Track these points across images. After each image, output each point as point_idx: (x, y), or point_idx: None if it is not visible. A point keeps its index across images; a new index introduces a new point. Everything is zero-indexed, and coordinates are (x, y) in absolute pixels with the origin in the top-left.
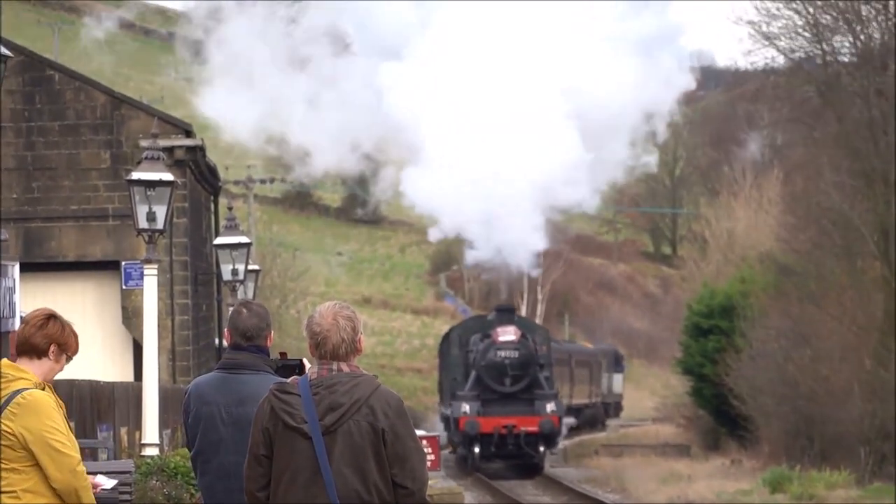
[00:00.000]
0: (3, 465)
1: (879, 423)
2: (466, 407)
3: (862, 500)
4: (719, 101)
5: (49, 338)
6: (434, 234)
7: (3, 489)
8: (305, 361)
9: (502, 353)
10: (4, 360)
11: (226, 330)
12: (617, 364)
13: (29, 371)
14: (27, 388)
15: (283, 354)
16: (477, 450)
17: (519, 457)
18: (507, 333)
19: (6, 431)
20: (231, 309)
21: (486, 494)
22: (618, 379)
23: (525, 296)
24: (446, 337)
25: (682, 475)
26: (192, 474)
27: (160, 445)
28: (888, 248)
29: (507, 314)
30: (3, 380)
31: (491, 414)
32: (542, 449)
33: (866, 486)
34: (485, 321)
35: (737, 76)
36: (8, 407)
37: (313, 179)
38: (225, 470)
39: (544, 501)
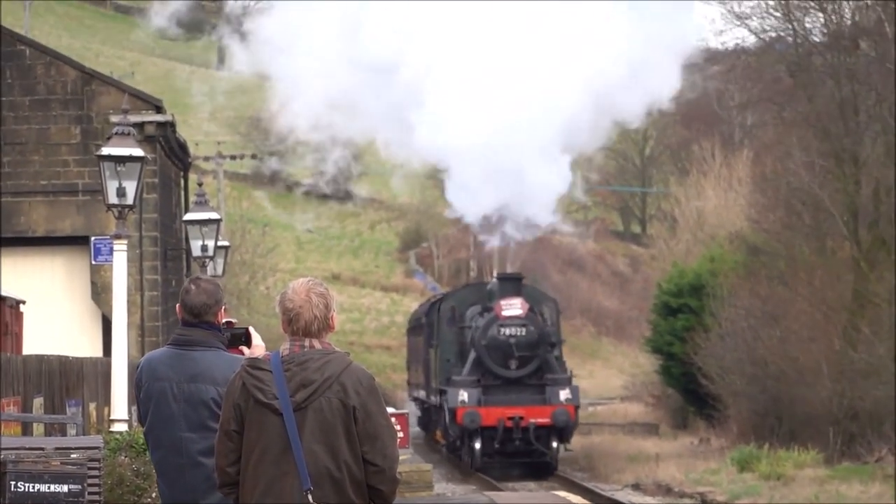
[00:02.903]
0: None
1: (848, 404)
2: (465, 395)
3: (830, 479)
4: (690, 81)
5: None
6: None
7: None
8: (251, 330)
9: (507, 331)
10: None
11: (177, 306)
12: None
13: None
14: None
15: (229, 324)
16: (478, 446)
17: (527, 454)
18: (513, 307)
19: None
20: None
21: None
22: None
23: (494, 273)
24: (434, 309)
25: (651, 454)
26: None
27: (129, 421)
28: (857, 229)
29: (512, 283)
30: None
31: (494, 403)
32: (554, 445)
33: (835, 465)
34: (484, 291)
35: (707, 56)
36: None
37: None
38: (176, 446)
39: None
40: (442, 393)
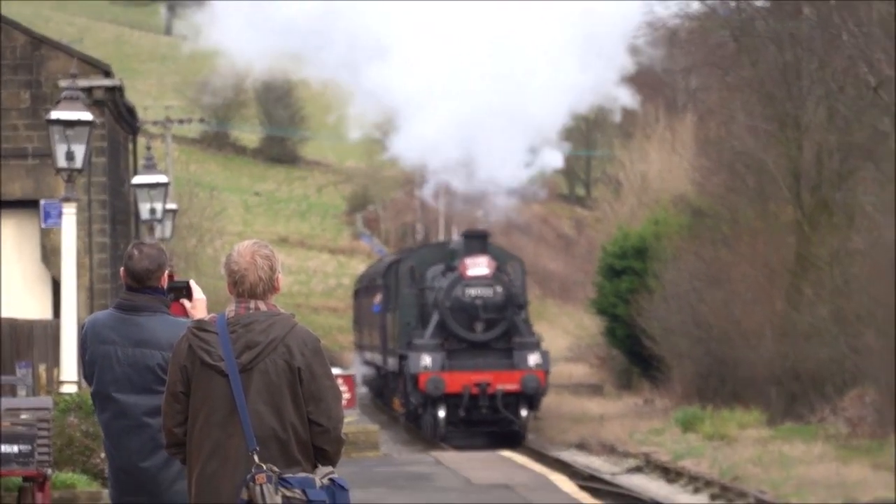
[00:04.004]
0: None
1: (790, 365)
2: (428, 360)
3: (773, 439)
4: (632, 46)
5: None
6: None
7: None
8: (192, 283)
9: (473, 292)
10: None
11: (121, 270)
12: None
13: None
14: None
15: (170, 276)
16: (441, 414)
17: (494, 422)
18: (480, 266)
19: None
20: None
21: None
22: None
23: (441, 236)
24: (392, 270)
25: (595, 415)
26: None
27: (79, 383)
28: (800, 192)
29: (478, 241)
30: None
31: (459, 368)
32: (523, 413)
33: (777, 425)
34: (446, 250)
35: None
36: None
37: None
38: (121, 408)
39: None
40: (402, 358)
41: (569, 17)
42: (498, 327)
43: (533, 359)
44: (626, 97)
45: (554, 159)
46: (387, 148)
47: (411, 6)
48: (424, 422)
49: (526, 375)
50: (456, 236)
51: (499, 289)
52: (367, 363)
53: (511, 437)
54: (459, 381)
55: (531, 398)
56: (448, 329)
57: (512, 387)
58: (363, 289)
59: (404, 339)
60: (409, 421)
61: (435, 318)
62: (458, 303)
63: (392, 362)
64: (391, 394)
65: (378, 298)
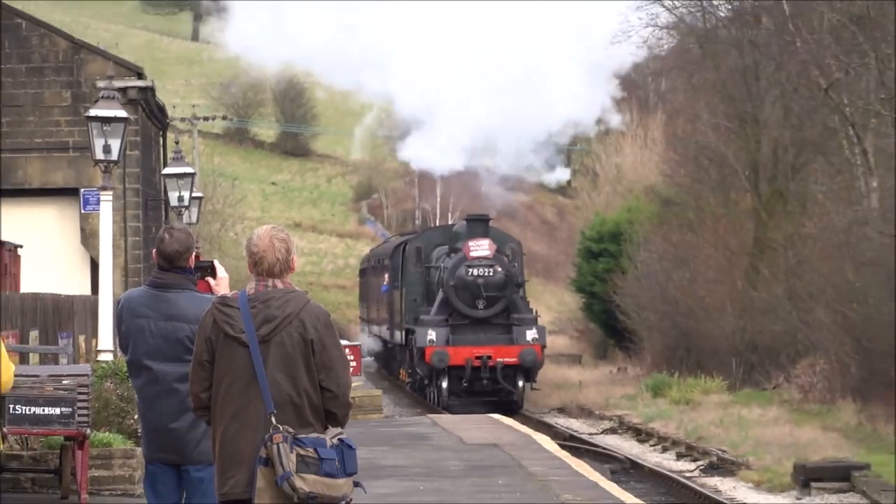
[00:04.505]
0: None
1: (749, 338)
2: (433, 334)
3: (733, 404)
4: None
5: None
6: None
7: None
8: (216, 263)
9: (475, 271)
10: None
11: (153, 252)
12: None
13: None
14: None
15: (197, 257)
16: (445, 385)
17: (493, 393)
18: (481, 248)
19: None
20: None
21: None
22: None
23: (437, 222)
24: (399, 251)
25: (575, 382)
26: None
27: (114, 351)
28: (758, 182)
29: (480, 225)
30: None
31: (462, 343)
32: (521, 384)
33: (736, 391)
34: (451, 233)
35: (625, 28)
36: None
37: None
38: (153, 375)
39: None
40: (409, 332)
41: (572, 42)
42: (498, 304)
43: (530, 334)
44: (612, 106)
45: (563, 174)
46: (397, 149)
47: (421, 24)
48: (429, 391)
49: (524, 350)
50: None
51: (499, 269)
52: (374, 336)
53: (508, 406)
54: (462, 354)
55: (528, 370)
56: (452, 306)
57: (511, 360)
58: (369, 268)
59: (411, 315)
60: (415, 391)
61: (440, 296)
62: (461, 281)
63: (399, 336)
64: (398, 365)
65: (386, 277)
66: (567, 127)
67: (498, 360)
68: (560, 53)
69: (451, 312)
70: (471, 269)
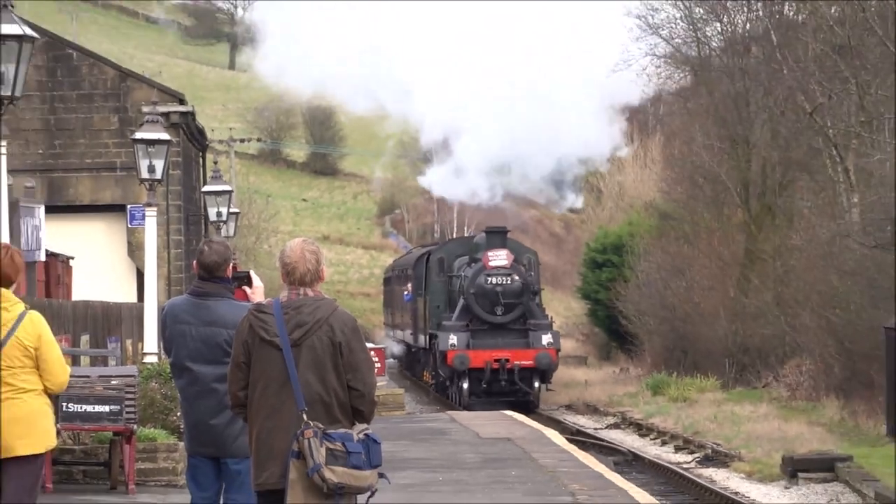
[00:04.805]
0: (20, 370)
1: (740, 340)
2: (454, 339)
3: (726, 401)
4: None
5: (17, 269)
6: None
7: (23, 388)
8: (252, 273)
9: (494, 280)
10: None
11: (194, 262)
12: None
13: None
14: (29, 310)
15: (234, 267)
16: (466, 386)
17: (511, 393)
18: (500, 258)
19: (24, 343)
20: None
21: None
22: None
23: (454, 235)
24: (422, 261)
25: (581, 381)
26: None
27: (158, 354)
28: (748, 198)
29: (498, 236)
30: (8, 303)
31: (481, 346)
32: (536, 385)
33: (729, 390)
34: (471, 244)
35: (626, 58)
36: (22, 324)
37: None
38: (194, 376)
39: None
40: (432, 337)
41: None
42: (515, 311)
43: (546, 338)
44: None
45: (578, 201)
46: (421, 171)
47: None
48: (451, 392)
49: (540, 353)
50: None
51: (516, 277)
52: (398, 340)
53: (525, 405)
54: (482, 357)
55: (544, 372)
56: (472, 312)
57: (527, 362)
58: (393, 277)
59: (434, 321)
60: (438, 392)
61: (461, 303)
62: (481, 289)
63: (423, 340)
64: (422, 367)
65: (409, 286)
66: (580, 163)
67: (515, 362)
68: (573, 86)
69: (472, 318)
70: (490, 278)
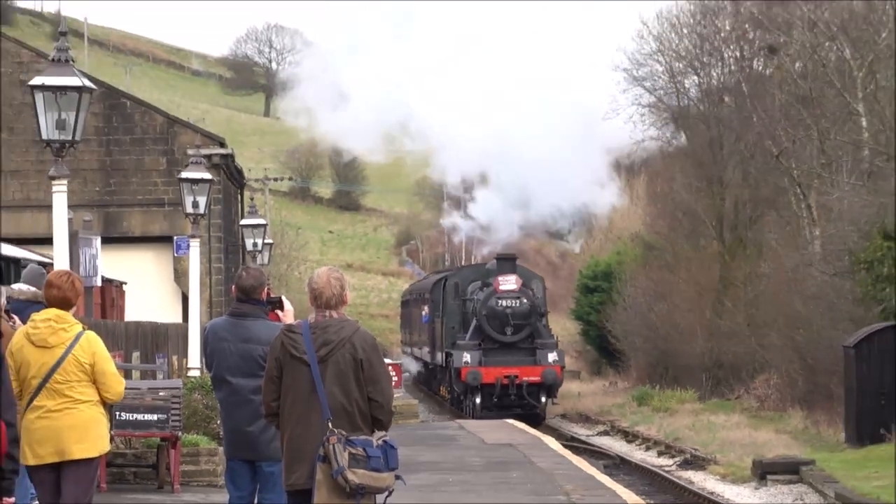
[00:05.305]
0: (77, 384)
1: (716, 357)
2: (468, 356)
3: (703, 411)
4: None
5: (77, 293)
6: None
7: (79, 399)
8: (284, 298)
9: (504, 303)
10: (56, 311)
11: (233, 287)
12: None
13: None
14: (86, 330)
15: (268, 292)
16: (478, 400)
17: (520, 407)
18: (509, 282)
19: (80, 360)
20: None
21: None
22: None
23: (463, 263)
24: (439, 286)
25: (574, 393)
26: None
27: (201, 369)
28: (722, 231)
29: (508, 263)
30: (67, 324)
31: (493, 364)
32: (543, 399)
33: (705, 401)
34: (483, 270)
35: (613, 106)
36: (79, 342)
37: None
38: (233, 388)
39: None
40: (448, 355)
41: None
42: (524, 331)
43: (552, 356)
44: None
45: (576, 246)
46: (440, 208)
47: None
48: (465, 405)
49: (546, 370)
50: (474, 261)
51: (524, 300)
52: (415, 357)
53: (533, 418)
54: (493, 373)
55: (550, 387)
56: (484, 332)
57: (535, 379)
58: (411, 300)
59: (449, 340)
60: (453, 405)
61: (473, 323)
62: (492, 311)
63: (439, 358)
64: (438, 383)
65: (426, 308)
66: (582, 210)
67: (524, 378)
68: (574, 137)
69: (484, 338)
70: (500, 301)
